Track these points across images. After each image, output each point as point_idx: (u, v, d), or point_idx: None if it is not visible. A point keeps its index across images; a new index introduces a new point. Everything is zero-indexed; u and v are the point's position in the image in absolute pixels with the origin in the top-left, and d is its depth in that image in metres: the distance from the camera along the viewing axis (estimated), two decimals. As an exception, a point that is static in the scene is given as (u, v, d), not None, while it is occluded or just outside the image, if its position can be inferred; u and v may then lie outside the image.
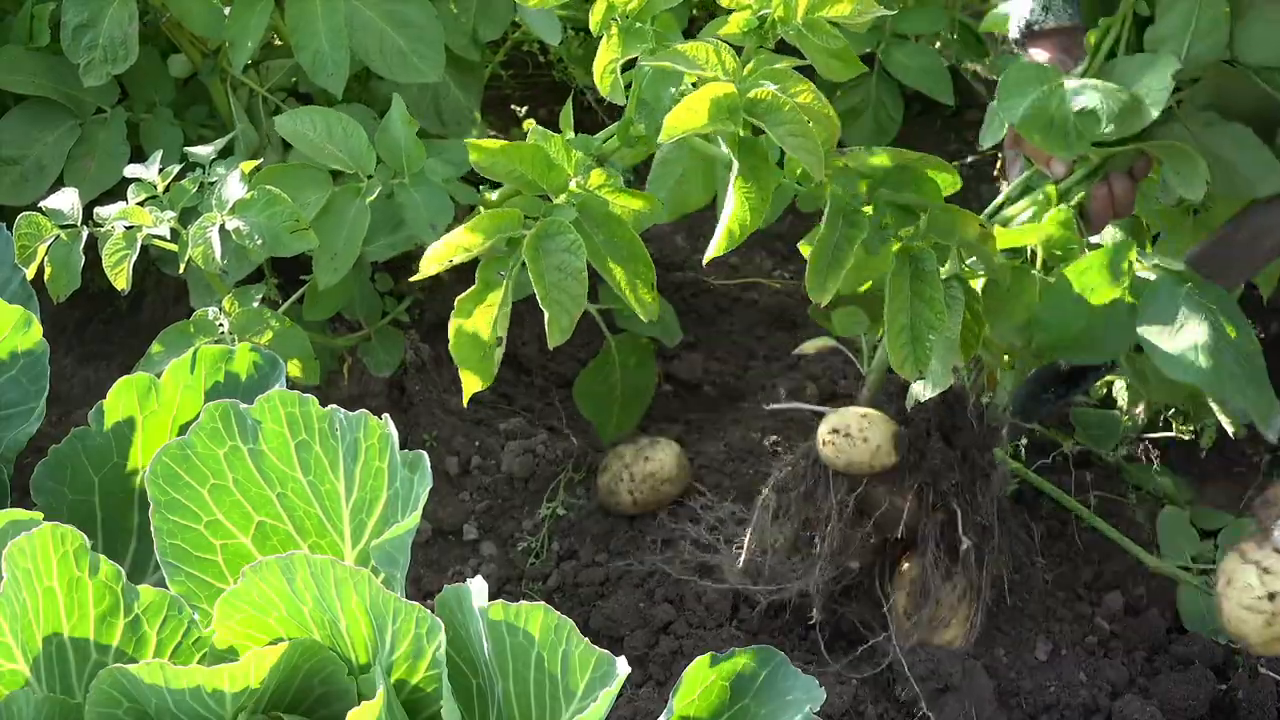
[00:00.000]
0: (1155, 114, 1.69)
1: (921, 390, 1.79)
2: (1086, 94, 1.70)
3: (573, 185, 1.61)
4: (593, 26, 1.61)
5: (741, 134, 1.52)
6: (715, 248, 1.55)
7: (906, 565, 1.90)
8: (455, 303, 1.60)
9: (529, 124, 1.75)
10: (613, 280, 1.63)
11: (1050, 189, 1.81)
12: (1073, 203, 1.81)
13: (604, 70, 1.62)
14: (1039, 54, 1.90)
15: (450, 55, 2.24)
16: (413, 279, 1.67)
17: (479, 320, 1.60)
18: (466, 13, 2.32)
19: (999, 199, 1.90)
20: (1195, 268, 1.83)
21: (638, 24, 1.60)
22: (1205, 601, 1.97)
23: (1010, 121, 1.74)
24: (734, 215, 1.54)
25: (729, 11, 1.58)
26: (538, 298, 1.57)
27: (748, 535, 1.94)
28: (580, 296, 1.57)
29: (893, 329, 1.62)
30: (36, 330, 1.84)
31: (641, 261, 1.62)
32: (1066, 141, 1.71)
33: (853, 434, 1.83)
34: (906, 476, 1.85)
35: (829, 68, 1.64)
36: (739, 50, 1.57)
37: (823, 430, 1.86)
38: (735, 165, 1.53)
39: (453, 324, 1.60)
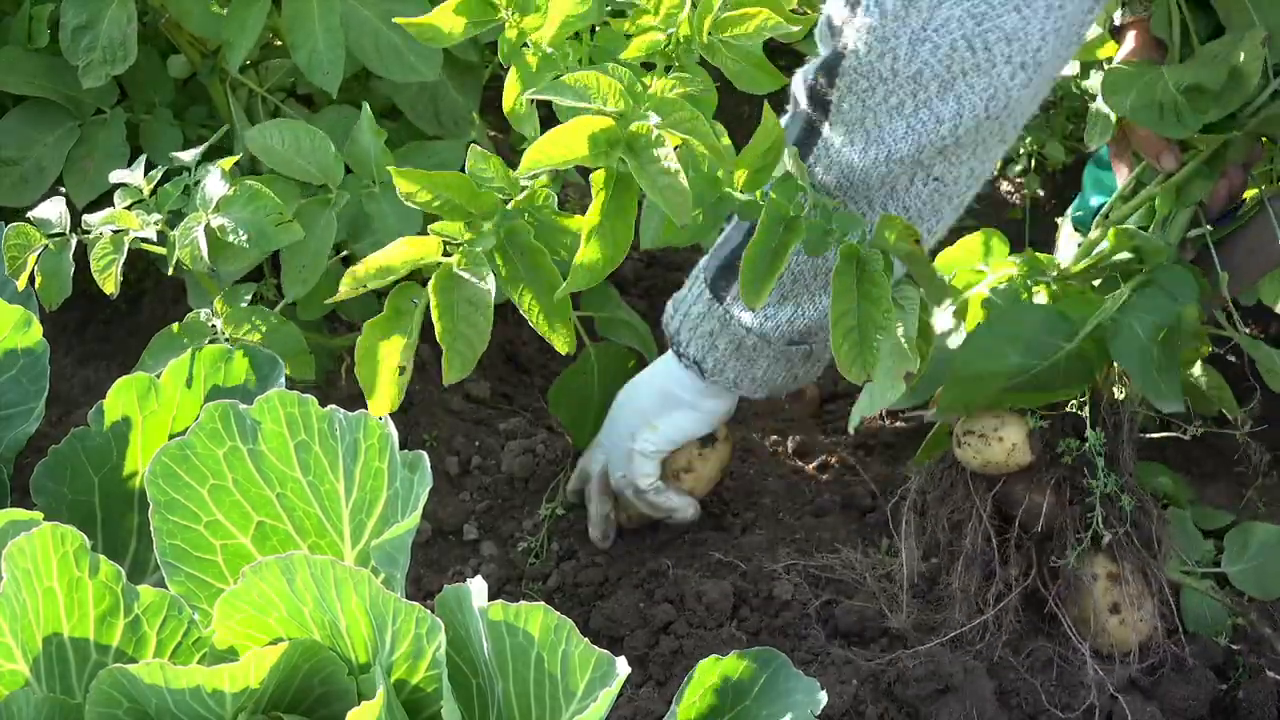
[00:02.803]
0: (1256, 79, 1.71)
1: (868, 408, 1.78)
2: (1186, 74, 1.72)
3: (510, 205, 1.58)
4: (501, 56, 1.59)
5: (618, 169, 1.48)
6: (568, 286, 1.53)
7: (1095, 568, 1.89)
8: (363, 326, 1.59)
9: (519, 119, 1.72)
10: (527, 311, 1.60)
11: (1168, 185, 1.83)
12: (1189, 202, 1.84)
13: (513, 103, 1.60)
14: (1124, 44, 1.91)
15: (449, 56, 2.24)
16: (328, 300, 1.65)
17: (385, 349, 1.59)
18: (466, 13, 2.32)
19: (1112, 197, 1.91)
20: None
21: (550, 50, 1.57)
22: (1206, 602, 1.97)
23: (1121, 113, 1.76)
24: (590, 255, 1.51)
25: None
26: (437, 334, 1.54)
27: (903, 555, 1.93)
28: (485, 332, 1.55)
29: (839, 330, 1.59)
30: (36, 330, 1.84)
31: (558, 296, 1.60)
32: (1180, 122, 1.72)
33: (988, 434, 1.86)
34: (1042, 473, 1.88)
35: (748, 79, 1.62)
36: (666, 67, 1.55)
37: (958, 432, 1.89)
38: (596, 201, 1.50)
39: (359, 348, 1.59)
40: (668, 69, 1.57)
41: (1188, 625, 1.98)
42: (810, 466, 2.28)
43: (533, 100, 1.59)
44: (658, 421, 1.97)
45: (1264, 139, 1.87)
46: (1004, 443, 1.85)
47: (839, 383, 2.44)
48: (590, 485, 2.07)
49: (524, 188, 1.59)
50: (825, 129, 1.65)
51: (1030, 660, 1.89)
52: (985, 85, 1.56)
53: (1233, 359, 2.19)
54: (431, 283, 1.55)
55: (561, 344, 1.62)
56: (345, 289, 1.57)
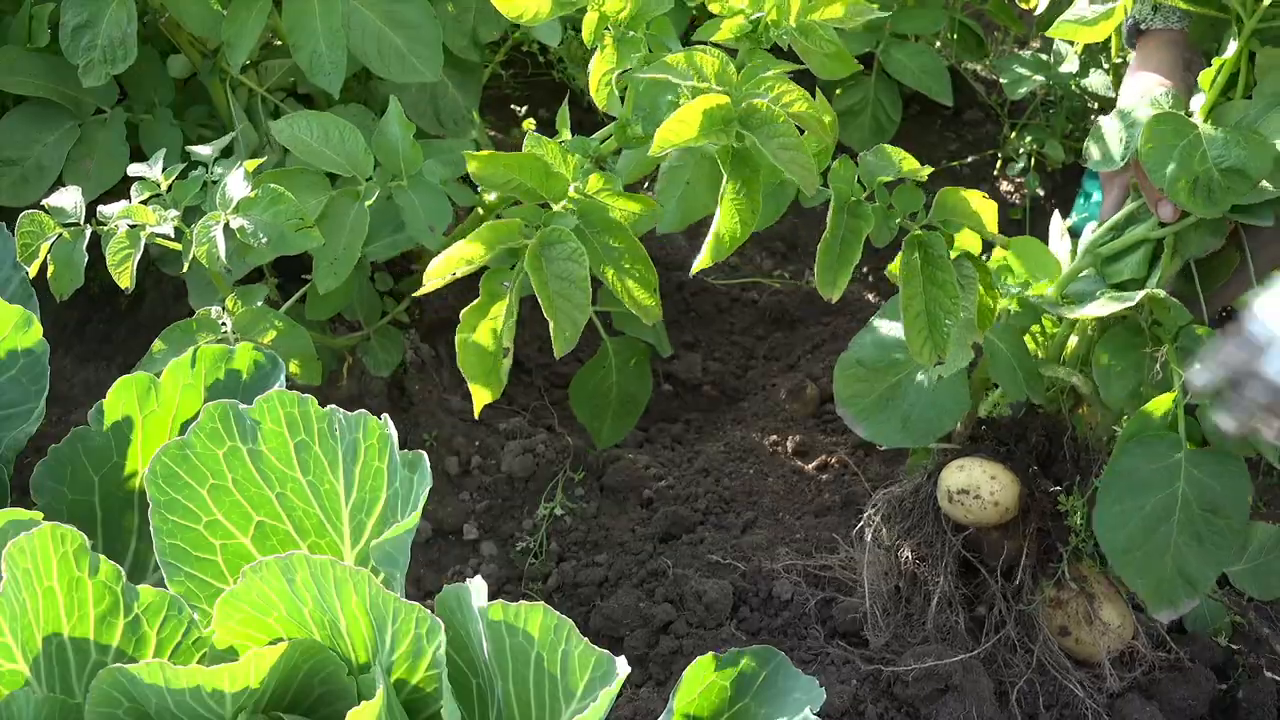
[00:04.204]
0: None
1: (943, 372, 1.79)
2: (1229, 150, 1.67)
3: (572, 191, 1.60)
4: (586, 38, 1.60)
5: (735, 145, 1.51)
6: (703, 259, 1.54)
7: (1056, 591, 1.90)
8: (460, 316, 1.60)
9: (528, 124, 1.74)
10: (614, 286, 1.62)
11: (1166, 235, 1.79)
12: (1185, 254, 1.80)
13: (599, 82, 1.62)
14: (1147, 54, 1.88)
15: (449, 55, 2.24)
16: (416, 293, 1.67)
17: (485, 332, 1.60)
18: (466, 13, 2.32)
19: (1100, 229, 1.87)
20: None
21: (630, 33, 1.60)
22: (1206, 602, 1.98)
23: (1160, 184, 1.70)
24: (723, 227, 1.53)
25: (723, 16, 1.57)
26: (543, 308, 1.56)
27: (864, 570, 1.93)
28: (585, 305, 1.57)
29: (909, 315, 1.61)
30: (37, 330, 1.83)
31: (643, 265, 1.62)
32: (1212, 202, 1.68)
33: (983, 497, 1.84)
34: (1020, 523, 1.88)
35: (825, 67, 1.63)
36: (735, 52, 1.56)
37: (949, 487, 1.87)
38: (725, 178, 1.52)
39: (459, 337, 1.60)
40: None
41: (1187, 625, 1.98)
42: (810, 466, 2.28)
43: (613, 83, 1.61)
44: None
45: None
46: (999, 506, 1.84)
47: (839, 382, 2.44)
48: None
49: (587, 168, 1.61)
50: None
51: (1029, 660, 1.89)
52: None
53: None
54: (526, 261, 1.57)
55: (648, 313, 1.63)
56: (434, 280, 1.57)
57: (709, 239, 1.54)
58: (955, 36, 2.95)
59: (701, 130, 1.47)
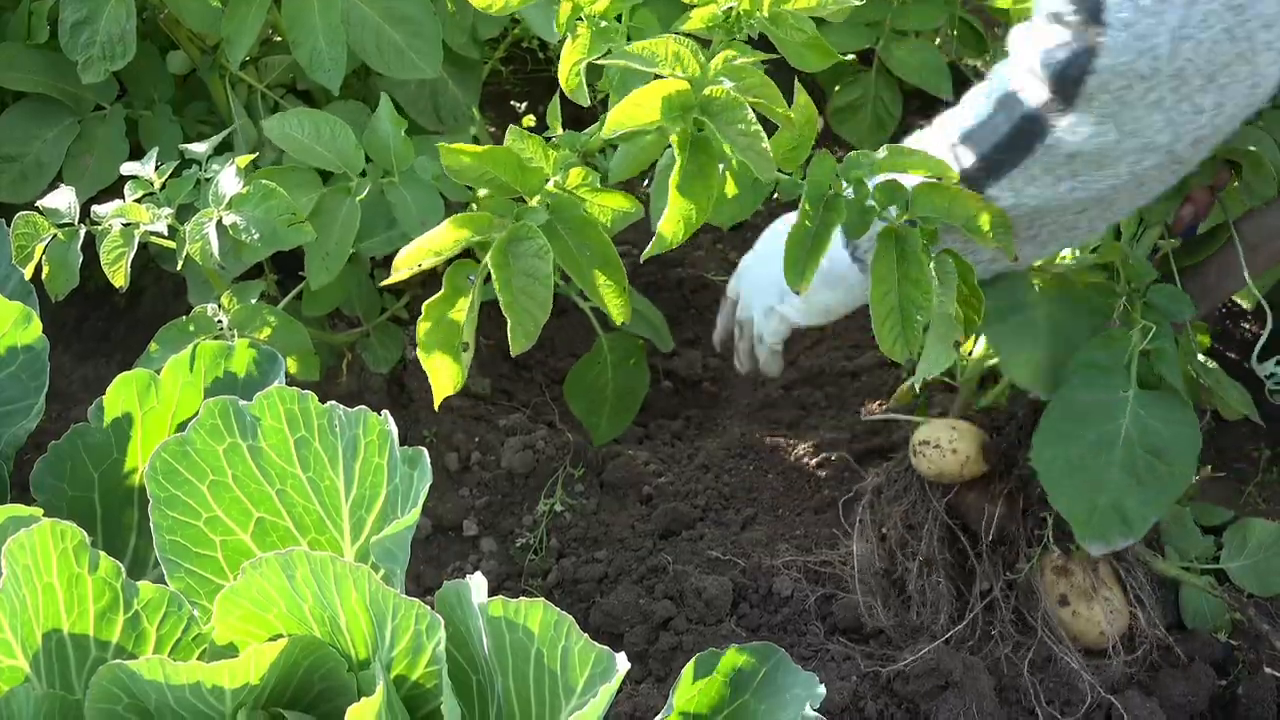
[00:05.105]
0: None
1: (926, 371, 1.80)
2: None
3: (550, 185, 1.59)
4: (558, 28, 1.60)
5: (694, 132, 1.50)
6: (653, 247, 1.53)
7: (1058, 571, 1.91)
8: (423, 308, 1.60)
9: (527, 120, 1.74)
10: (584, 284, 1.61)
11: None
12: (1152, 221, 1.83)
13: (569, 71, 1.61)
14: None
15: (449, 52, 2.24)
16: (384, 284, 1.66)
17: (447, 325, 1.59)
18: (465, 9, 2.31)
19: None
20: (1204, 270, 1.85)
21: (603, 23, 1.59)
22: (1206, 599, 1.98)
23: None
24: (676, 214, 1.52)
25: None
26: (502, 305, 1.54)
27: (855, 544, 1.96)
28: (546, 302, 1.56)
29: (880, 311, 1.59)
30: (36, 326, 1.83)
31: (612, 265, 1.60)
32: None
33: (942, 445, 1.88)
34: (995, 483, 1.90)
35: (802, 58, 1.62)
36: (710, 43, 1.56)
37: (914, 442, 1.91)
38: (678, 163, 1.50)
39: (420, 328, 1.59)
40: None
41: (1187, 622, 1.98)
42: (810, 463, 2.28)
43: (583, 73, 1.60)
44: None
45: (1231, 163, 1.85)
46: (958, 455, 1.87)
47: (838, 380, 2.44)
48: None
49: (572, 162, 1.60)
50: (1062, 122, 1.58)
51: (1030, 657, 1.89)
52: (1248, 74, 1.51)
53: (1232, 355, 2.20)
54: (490, 256, 1.55)
55: (618, 314, 1.62)
56: (401, 271, 1.57)
57: (660, 225, 1.52)
58: (955, 32, 2.94)
59: (662, 114, 1.46)
